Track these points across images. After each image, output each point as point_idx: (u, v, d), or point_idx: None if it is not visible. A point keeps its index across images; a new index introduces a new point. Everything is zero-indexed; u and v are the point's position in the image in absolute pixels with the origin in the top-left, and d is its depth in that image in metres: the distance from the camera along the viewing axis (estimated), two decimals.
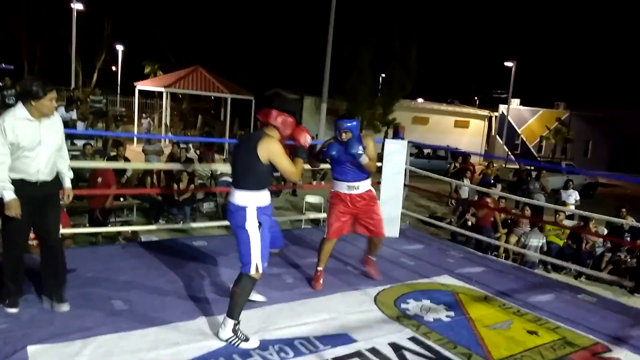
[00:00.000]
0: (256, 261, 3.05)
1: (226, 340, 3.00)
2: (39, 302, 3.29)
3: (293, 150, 3.22)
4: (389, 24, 22.43)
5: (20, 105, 3.01)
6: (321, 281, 4.08)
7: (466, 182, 10.64)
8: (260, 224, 3.09)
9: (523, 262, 7.38)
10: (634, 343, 3.52)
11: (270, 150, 3.05)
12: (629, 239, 7.69)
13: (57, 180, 3.29)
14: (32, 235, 3.43)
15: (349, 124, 3.95)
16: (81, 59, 25.34)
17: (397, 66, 22.83)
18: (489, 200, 8.62)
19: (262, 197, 3.14)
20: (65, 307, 3.19)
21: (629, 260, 7.32)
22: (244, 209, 3.08)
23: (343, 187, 4.13)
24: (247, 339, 3.00)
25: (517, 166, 15.72)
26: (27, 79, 3.15)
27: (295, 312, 3.53)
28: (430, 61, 31.70)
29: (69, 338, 2.89)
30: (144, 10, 26.39)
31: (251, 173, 3.09)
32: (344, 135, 3.95)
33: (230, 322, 3.01)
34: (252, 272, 3.05)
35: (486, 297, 4.16)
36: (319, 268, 4.12)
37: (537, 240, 7.75)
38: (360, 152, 3.90)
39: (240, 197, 3.11)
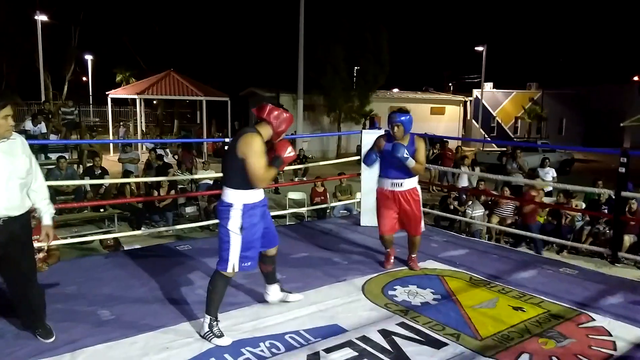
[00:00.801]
0: (233, 261, 3.03)
1: (202, 336, 3.05)
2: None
3: (271, 159, 3.05)
4: (360, 18, 22.48)
5: None
6: (391, 260, 4.45)
7: (464, 169, 10.72)
8: (242, 227, 3.01)
9: (470, 231, 7.95)
10: (616, 311, 3.62)
11: (246, 144, 2.92)
12: (606, 211, 7.86)
13: (27, 216, 2.79)
14: None
15: (401, 118, 4.01)
16: (50, 72, 24.87)
17: (371, 59, 22.91)
18: (534, 193, 7.98)
19: (249, 195, 3.04)
20: (52, 338, 2.95)
21: (608, 231, 7.49)
22: (228, 207, 3.02)
23: (387, 184, 4.22)
24: (220, 335, 3.01)
25: (496, 148, 15.91)
26: None
27: (284, 307, 3.54)
28: (403, 51, 31.92)
29: (57, 352, 2.85)
30: (112, 18, 26.02)
31: (234, 170, 3.00)
32: (396, 128, 4.04)
33: (207, 318, 3.05)
34: (228, 271, 3.04)
35: (471, 278, 4.23)
36: (387, 250, 4.44)
37: (480, 211, 8.38)
38: (405, 155, 3.93)
39: (226, 195, 3.05)
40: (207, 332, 3.03)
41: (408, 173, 4.13)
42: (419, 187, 4.28)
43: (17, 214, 2.65)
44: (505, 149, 14.78)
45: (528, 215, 7.90)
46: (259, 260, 3.30)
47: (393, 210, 4.23)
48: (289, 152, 3.07)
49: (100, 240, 7.10)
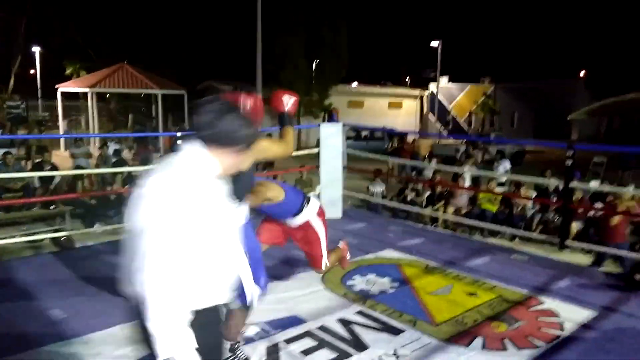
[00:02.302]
0: (251, 291, 2.46)
1: None
2: None
3: (279, 120, 2.63)
4: (317, 12, 22.48)
5: (203, 153, 1.58)
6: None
7: (467, 168, 10.83)
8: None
9: (369, 206, 8.65)
10: (564, 293, 3.79)
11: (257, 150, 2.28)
12: (555, 199, 8.19)
13: None
14: None
15: None
16: None
17: (329, 53, 22.98)
18: (622, 203, 5.95)
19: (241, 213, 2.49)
20: None
21: (557, 219, 7.81)
22: None
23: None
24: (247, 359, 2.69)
25: (451, 142, 16.28)
26: (225, 104, 1.60)
27: None
28: (362, 45, 32.18)
29: (8, 353, 2.74)
30: (60, 8, 24.97)
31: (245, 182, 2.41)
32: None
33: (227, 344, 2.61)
34: (250, 304, 2.51)
35: (427, 266, 4.33)
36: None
37: (380, 188, 9.39)
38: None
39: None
40: (231, 356, 2.62)
41: (288, 214, 3.13)
42: (315, 219, 3.20)
43: None
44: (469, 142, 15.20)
45: (613, 230, 5.89)
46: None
47: (278, 229, 3.28)
48: (289, 100, 2.60)
49: (53, 239, 6.83)
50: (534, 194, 8.89)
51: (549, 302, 3.61)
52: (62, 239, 6.38)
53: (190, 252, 1.48)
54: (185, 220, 1.45)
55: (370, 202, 8.67)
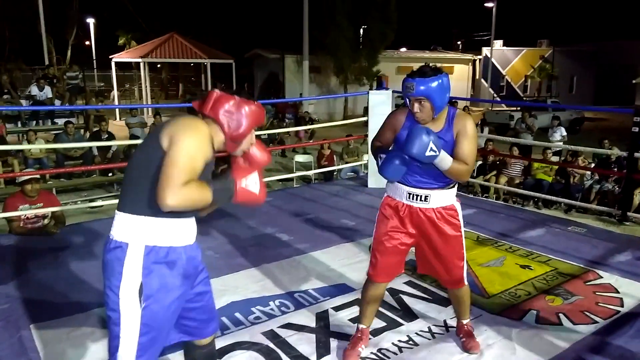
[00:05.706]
0: (127, 357, 1.65)
1: None
2: (36, 281, 3.32)
3: (216, 177, 1.79)
4: None
5: None
6: (360, 348, 2.49)
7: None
8: (143, 293, 1.62)
9: None
10: (623, 268, 3.63)
11: (183, 126, 1.60)
12: (615, 169, 7.78)
13: None
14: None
15: (426, 85, 2.13)
16: (52, 36, 24.55)
17: (377, 17, 22.40)
18: None
19: (161, 227, 1.64)
20: None
21: (617, 190, 7.44)
22: (119, 248, 1.63)
23: (400, 193, 2.38)
24: None
25: (505, 107, 15.66)
26: None
27: (292, 267, 3.58)
28: (411, 8, 31.17)
29: (70, 312, 2.92)
30: None
31: (140, 173, 1.63)
32: (417, 107, 2.18)
33: None
34: None
35: (478, 237, 4.24)
36: (362, 326, 2.56)
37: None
38: (431, 152, 2.08)
39: (117, 226, 1.66)
40: None
41: (440, 178, 2.28)
42: (458, 205, 2.39)
43: None
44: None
45: None
46: (184, 353, 1.98)
47: (401, 239, 2.38)
48: (250, 182, 1.75)
49: None
50: (592, 163, 8.49)
51: (607, 277, 3.46)
52: None
53: None
54: None
55: None
